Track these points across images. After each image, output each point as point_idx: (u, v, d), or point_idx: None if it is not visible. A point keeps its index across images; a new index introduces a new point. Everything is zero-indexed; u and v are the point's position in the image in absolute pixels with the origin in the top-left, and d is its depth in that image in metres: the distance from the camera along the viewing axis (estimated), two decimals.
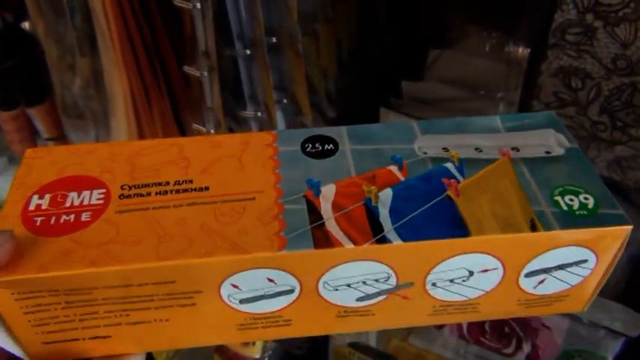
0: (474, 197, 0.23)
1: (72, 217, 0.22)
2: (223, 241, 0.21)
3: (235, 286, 0.22)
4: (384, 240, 0.21)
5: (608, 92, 0.41)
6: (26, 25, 0.60)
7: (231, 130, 0.53)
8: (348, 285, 0.22)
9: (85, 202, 0.23)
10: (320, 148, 0.25)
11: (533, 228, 0.22)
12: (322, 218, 0.22)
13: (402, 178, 0.23)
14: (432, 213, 0.22)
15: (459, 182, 0.23)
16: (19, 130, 0.68)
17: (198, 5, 0.41)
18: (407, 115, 0.52)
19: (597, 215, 0.22)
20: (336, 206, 0.22)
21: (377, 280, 0.22)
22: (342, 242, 0.21)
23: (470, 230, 0.21)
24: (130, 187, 0.23)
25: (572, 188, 0.23)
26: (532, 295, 0.24)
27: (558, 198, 0.23)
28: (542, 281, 0.23)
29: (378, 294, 0.23)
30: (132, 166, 0.24)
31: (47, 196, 0.23)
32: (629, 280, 0.49)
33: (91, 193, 0.23)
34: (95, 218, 0.22)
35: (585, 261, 0.23)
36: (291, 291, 0.22)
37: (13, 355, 0.23)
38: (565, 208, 0.22)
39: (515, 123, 0.26)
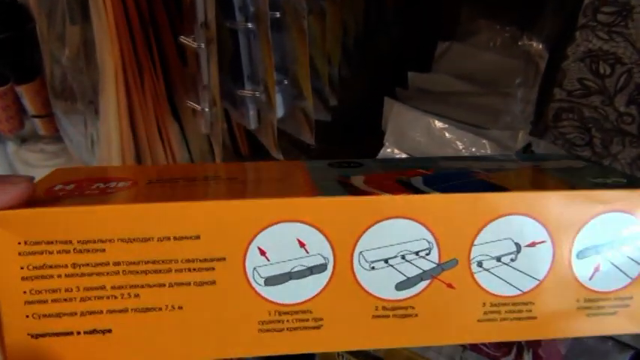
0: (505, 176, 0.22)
1: (97, 191, 0.21)
2: (255, 193, 0.20)
3: (263, 253, 0.19)
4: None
5: None
6: None
7: (225, 112, 0.51)
8: (386, 261, 0.20)
9: (112, 186, 0.21)
10: (346, 164, 0.25)
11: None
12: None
13: None
14: (466, 182, 0.21)
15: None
16: (6, 108, 0.66)
17: None
18: (412, 108, 0.49)
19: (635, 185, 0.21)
20: (368, 183, 0.22)
21: (417, 254, 0.20)
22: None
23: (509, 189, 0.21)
24: (158, 180, 0.22)
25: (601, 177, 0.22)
26: (592, 291, 0.21)
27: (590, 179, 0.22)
28: (597, 268, 0.21)
29: (420, 277, 0.20)
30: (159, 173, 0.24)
31: (72, 185, 0.21)
32: None
33: (118, 182, 0.22)
34: (121, 190, 0.21)
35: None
36: (323, 267, 0.20)
37: None
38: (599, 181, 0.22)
39: None
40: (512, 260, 0.21)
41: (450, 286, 0.21)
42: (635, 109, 0.38)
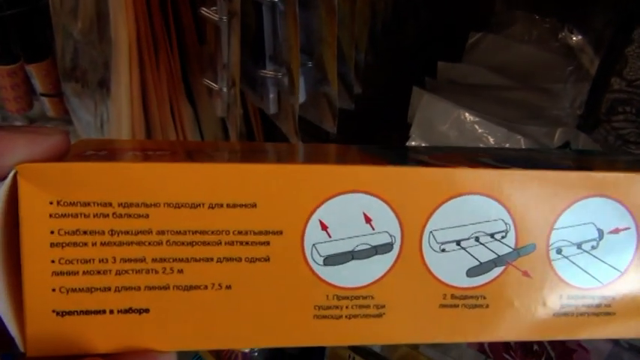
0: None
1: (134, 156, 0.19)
2: (316, 162, 0.18)
3: (324, 227, 0.17)
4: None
5: None
6: None
7: (242, 95, 0.48)
8: (458, 243, 0.18)
9: (149, 154, 0.19)
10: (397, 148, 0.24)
11: None
12: None
13: None
14: (545, 162, 0.20)
15: None
16: (15, 86, 0.65)
17: None
18: (443, 99, 0.47)
19: None
20: (436, 159, 0.20)
21: (492, 237, 0.18)
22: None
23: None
24: (198, 151, 0.20)
25: None
26: None
27: None
28: None
29: (494, 263, 0.18)
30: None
31: (104, 152, 0.19)
32: None
33: (155, 151, 0.20)
34: (161, 157, 0.19)
35: None
36: (389, 247, 0.17)
37: None
38: None
39: None
40: (592, 248, 0.19)
41: (525, 274, 0.18)
42: None
